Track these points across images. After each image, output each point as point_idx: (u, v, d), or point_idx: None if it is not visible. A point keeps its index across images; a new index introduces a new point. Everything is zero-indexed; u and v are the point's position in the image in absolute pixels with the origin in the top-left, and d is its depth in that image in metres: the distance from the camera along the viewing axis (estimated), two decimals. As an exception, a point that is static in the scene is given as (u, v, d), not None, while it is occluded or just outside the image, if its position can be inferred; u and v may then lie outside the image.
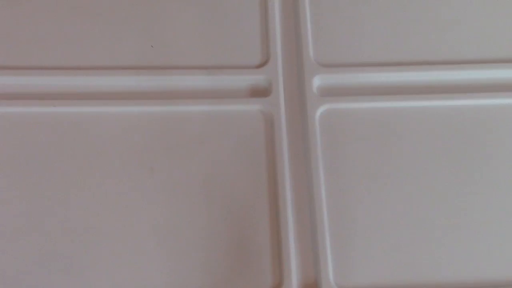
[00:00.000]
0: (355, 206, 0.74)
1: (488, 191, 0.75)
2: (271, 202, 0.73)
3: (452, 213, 0.74)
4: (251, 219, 0.73)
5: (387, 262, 0.71)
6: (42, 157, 0.75)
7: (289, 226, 0.72)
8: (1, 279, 0.69)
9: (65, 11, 0.84)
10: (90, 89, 0.80)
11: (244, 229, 0.72)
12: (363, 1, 0.87)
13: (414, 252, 0.71)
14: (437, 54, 0.83)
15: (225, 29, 0.84)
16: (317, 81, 0.81)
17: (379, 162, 0.76)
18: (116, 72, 0.80)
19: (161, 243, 0.71)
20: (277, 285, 0.69)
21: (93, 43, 0.82)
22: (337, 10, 0.86)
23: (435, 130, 0.79)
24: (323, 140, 0.77)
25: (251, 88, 0.81)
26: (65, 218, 0.72)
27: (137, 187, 0.74)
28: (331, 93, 0.81)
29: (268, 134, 0.78)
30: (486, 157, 0.77)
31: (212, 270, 0.70)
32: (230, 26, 0.84)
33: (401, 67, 0.82)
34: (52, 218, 0.72)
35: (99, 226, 0.72)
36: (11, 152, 0.75)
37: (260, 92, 0.81)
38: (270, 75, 0.81)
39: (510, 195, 0.75)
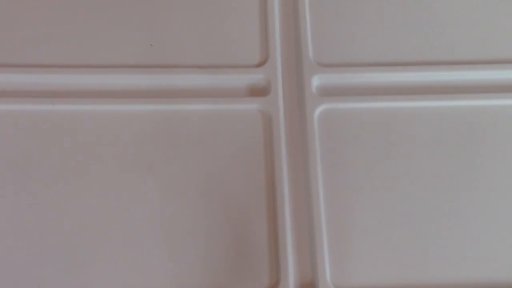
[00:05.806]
0: (353, 206, 0.74)
1: (488, 191, 0.75)
2: (269, 202, 0.74)
3: (451, 213, 0.73)
4: (249, 218, 0.73)
5: (384, 263, 0.71)
6: (40, 155, 0.75)
7: (286, 226, 0.72)
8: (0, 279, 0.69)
9: (64, 9, 0.84)
10: (88, 87, 0.80)
11: (242, 228, 0.72)
12: (362, 1, 0.86)
13: (411, 252, 0.71)
14: (437, 54, 0.83)
15: (224, 28, 0.84)
16: (316, 81, 0.81)
17: (378, 162, 0.76)
18: (115, 71, 0.80)
19: (159, 242, 0.71)
20: (274, 284, 0.69)
21: (92, 41, 0.82)
22: (336, 10, 0.86)
23: (434, 130, 0.78)
24: (321, 140, 0.77)
25: (250, 87, 0.81)
26: (63, 216, 0.72)
27: (135, 186, 0.74)
28: (330, 93, 0.81)
29: (267, 134, 0.78)
30: (486, 157, 0.77)
31: (210, 269, 0.70)
32: (229, 25, 0.84)
33: (400, 67, 0.82)
34: (49, 216, 0.72)
35: (97, 224, 0.72)
36: (9, 149, 0.75)
37: (259, 92, 0.81)
38: (269, 74, 0.81)
39: (510, 195, 0.75)
